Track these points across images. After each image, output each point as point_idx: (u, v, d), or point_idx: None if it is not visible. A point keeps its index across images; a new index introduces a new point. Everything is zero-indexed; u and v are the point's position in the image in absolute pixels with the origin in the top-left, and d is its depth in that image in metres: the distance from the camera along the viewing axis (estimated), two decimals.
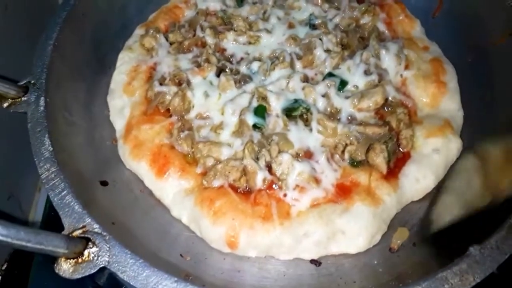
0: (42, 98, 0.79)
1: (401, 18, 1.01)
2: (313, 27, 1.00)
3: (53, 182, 0.69)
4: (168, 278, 0.60)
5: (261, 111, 0.86)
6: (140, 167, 0.83)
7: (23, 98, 0.80)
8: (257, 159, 0.81)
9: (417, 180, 0.81)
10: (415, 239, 0.75)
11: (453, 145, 0.83)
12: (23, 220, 1.15)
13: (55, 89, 0.83)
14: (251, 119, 0.85)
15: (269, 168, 0.81)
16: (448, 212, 0.78)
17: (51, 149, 0.73)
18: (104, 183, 0.80)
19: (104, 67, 0.99)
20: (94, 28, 0.98)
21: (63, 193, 0.68)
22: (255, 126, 0.85)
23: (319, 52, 0.94)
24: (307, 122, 0.86)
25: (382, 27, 1.01)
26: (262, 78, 0.93)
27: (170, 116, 0.89)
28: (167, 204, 0.81)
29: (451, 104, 0.89)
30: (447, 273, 0.58)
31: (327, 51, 0.95)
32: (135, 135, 0.85)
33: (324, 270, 0.75)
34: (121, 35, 1.04)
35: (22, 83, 0.82)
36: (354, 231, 0.75)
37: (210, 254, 0.76)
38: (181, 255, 0.74)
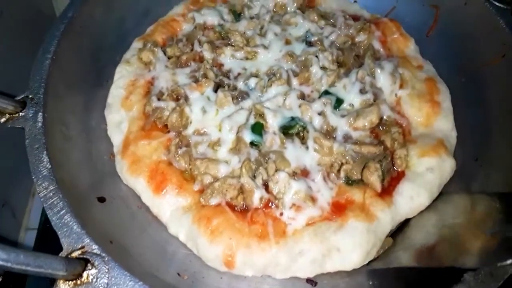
0: (40, 113, 0.79)
1: (395, 36, 1.02)
2: (309, 44, 1.02)
3: (52, 200, 0.69)
4: None
5: (258, 128, 0.86)
6: (138, 183, 0.83)
7: (20, 114, 0.80)
8: (254, 177, 0.82)
9: (411, 198, 0.82)
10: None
11: (447, 165, 0.84)
12: (16, 227, 1.15)
13: (53, 104, 0.83)
14: (248, 136, 0.86)
15: (266, 186, 0.82)
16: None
17: (49, 166, 0.73)
18: (101, 199, 0.80)
19: (101, 80, 0.99)
20: (92, 40, 0.98)
21: (61, 212, 0.68)
22: (252, 144, 0.86)
23: (315, 70, 0.95)
24: (303, 140, 0.87)
25: (377, 45, 1.02)
26: (259, 94, 0.94)
27: (168, 131, 0.89)
28: (164, 222, 0.81)
29: (444, 124, 0.90)
30: None
31: (323, 68, 0.96)
32: (132, 151, 0.86)
33: None
34: (119, 47, 1.04)
35: (19, 97, 0.82)
36: (349, 247, 0.76)
37: (207, 273, 0.76)
38: (178, 274, 0.74)
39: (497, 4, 0.92)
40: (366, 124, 0.88)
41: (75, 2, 0.96)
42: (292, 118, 0.89)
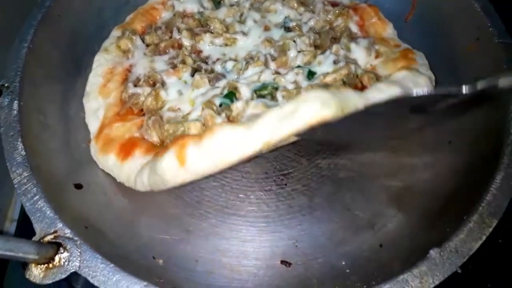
0: (16, 101, 0.79)
1: (373, 20, 1.02)
2: (288, 29, 1.02)
3: (25, 187, 0.70)
4: (138, 282, 0.61)
5: (230, 95, 0.87)
6: (109, 160, 0.83)
7: None
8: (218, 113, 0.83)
9: (381, 90, 0.78)
10: (381, 240, 0.77)
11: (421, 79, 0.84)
12: (1, 218, 1.15)
13: (30, 92, 0.83)
14: (218, 101, 0.86)
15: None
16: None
17: (24, 153, 0.73)
18: (78, 186, 0.81)
19: (80, 69, 0.99)
20: (70, 30, 0.98)
21: (35, 198, 0.69)
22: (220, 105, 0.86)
23: (292, 54, 0.95)
24: (274, 99, 0.86)
25: (354, 28, 1.02)
26: (236, 76, 0.94)
27: (143, 115, 0.89)
28: (131, 184, 0.82)
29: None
30: (408, 275, 0.60)
31: (300, 51, 0.96)
32: (106, 133, 0.86)
33: (295, 271, 0.77)
34: (98, 36, 1.04)
35: None
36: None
37: (183, 257, 0.77)
38: (153, 257, 0.75)
39: None
40: (336, 76, 0.88)
41: None
42: (264, 84, 0.89)
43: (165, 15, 1.08)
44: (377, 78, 0.90)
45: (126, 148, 0.82)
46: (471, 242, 0.62)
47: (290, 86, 0.88)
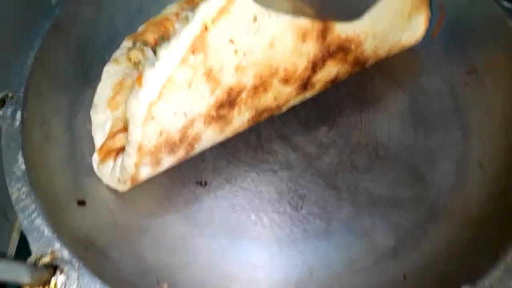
0: (19, 112, 0.76)
1: None
2: None
3: (23, 203, 0.66)
4: None
5: None
6: (106, 167, 0.79)
7: None
8: None
9: None
10: (405, 271, 0.71)
11: None
12: (9, 230, 1.10)
13: (35, 102, 0.79)
14: None
15: None
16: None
17: (24, 167, 0.69)
18: (81, 203, 0.76)
19: (89, 79, 0.95)
20: (80, 39, 0.95)
21: (33, 215, 0.64)
22: None
23: None
24: None
25: None
26: None
27: None
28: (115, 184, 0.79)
29: None
30: None
31: None
32: (109, 145, 0.81)
33: None
34: (108, 46, 1.00)
35: None
36: None
37: (189, 282, 0.72)
38: (158, 281, 0.70)
39: (505, 4, 0.87)
40: None
41: None
42: None
43: (179, 26, 1.04)
44: None
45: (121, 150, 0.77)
46: (508, 281, 0.56)
47: None
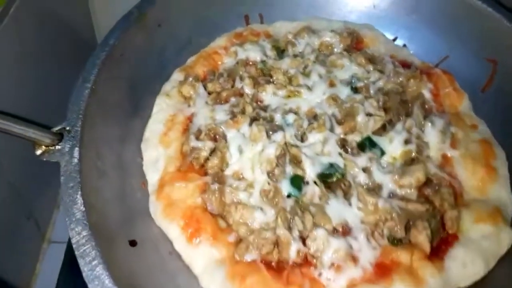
0: (77, 148, 0.76)
1: (448, 90, 0.97)
2: (355, 90, 0.97)
3: (84, 248, 0.66)
4: None
5: (297, 181, 0.83)
6: (171, 228, 0.80)
7: (57, 147, 0.77)
8: (289, 228, 0.78)
9: (465, 264, 0.76)
10: None
11: (504, 235, 0.79)
12: (40, 239, 1.13)
13: (89, 136, 0.80)
14: (286, 188, 0.82)
15: (303, 240, 0.78)
16: None
17: (83, 209, 0.70)
18: (133, 243, 0.77)
19: (138, 109, 0.96)
20: (131, 69, 0.96)
21: (93, 263, 0.65)
22: (289, 196, 0.82)
23: (361, 118, 0.91)
24: (346, 196, 0.82)
25: (427, 95, 0.98)
26: (295, 131, 0.90)
27: (205, 174, 0.86)
28: (196, 273, 0.77)
29: (501, 192, 0.85)
30: None
31: (368, 114, 0.92)
32: (167, 192, 0.82)
33: None
34: (158, 76, 1.02)
35: (57, 129, 0.79)
36: None
37: None
38: None
39: None
40: (413, 182, 0.83)
41: (116, 29, 0.93)
42: (331, 165, 0.85)
43: (228, 61, 1.05)
44: (456, 202, 0.84)
45: (192, 227, 0.79)
46: None
47: (362, 177, 0.84)
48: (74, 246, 0.67)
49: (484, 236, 0.78)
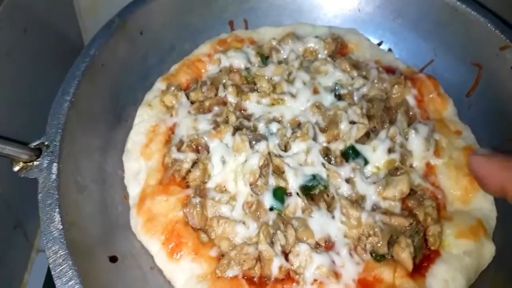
0: (55, 164, 0.75)
1: (432, 96, 0.96)
2: (339, 97, 0.96)
3: (61, 268, 0.66)
4: None
5: (280, 194, 0.82)
6: (152, 243, 0.79)
7: (35, 163, 0.76)
8: (272, 243, 0.77)
9: (446, 282, 0.76)
10: None
11: (486, 250, 0.79)
12: (28, 249, 1.12)
13: (69, 151, 0.79)
14: (268, 201, 0.81)
15: (285, 255, 0.77)
16: None
17: (60, 227, 0.69)
18: (113, 259, 0.76)
19: (121, 120, 0.95)
20: (113, 79, 0.95)
21: (70, 283, 0.64)
22: (271, 209, 0.81)
23: (344, 126, 0.90)
24: (330, 208, 0.81)
25: (411, 101, 0.97)
26: (278, 141, 0.88)
27: (187, 186, 0.85)
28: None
29: (484, 202, 0.84)
30: None
31: (352, 122, 0.91)
32: (148, 206, 0.82)
33: None
34: (141, 85, 1.00)
35: (35, 144, 0.78)
36: None
37: None
38: None
39: None
40: (397, 194, 0.82)
41: (97, 38, 0.92)
42: (313, 177, 0.84)
43: (211, 68, 1.04)
44: (439, 214, 0.83)
45: (173, 242, 0.78)
46: None
47: (345, 188, 0.83)
48: (50, 266, 0.66)
49: (466, 252, 0.78)
